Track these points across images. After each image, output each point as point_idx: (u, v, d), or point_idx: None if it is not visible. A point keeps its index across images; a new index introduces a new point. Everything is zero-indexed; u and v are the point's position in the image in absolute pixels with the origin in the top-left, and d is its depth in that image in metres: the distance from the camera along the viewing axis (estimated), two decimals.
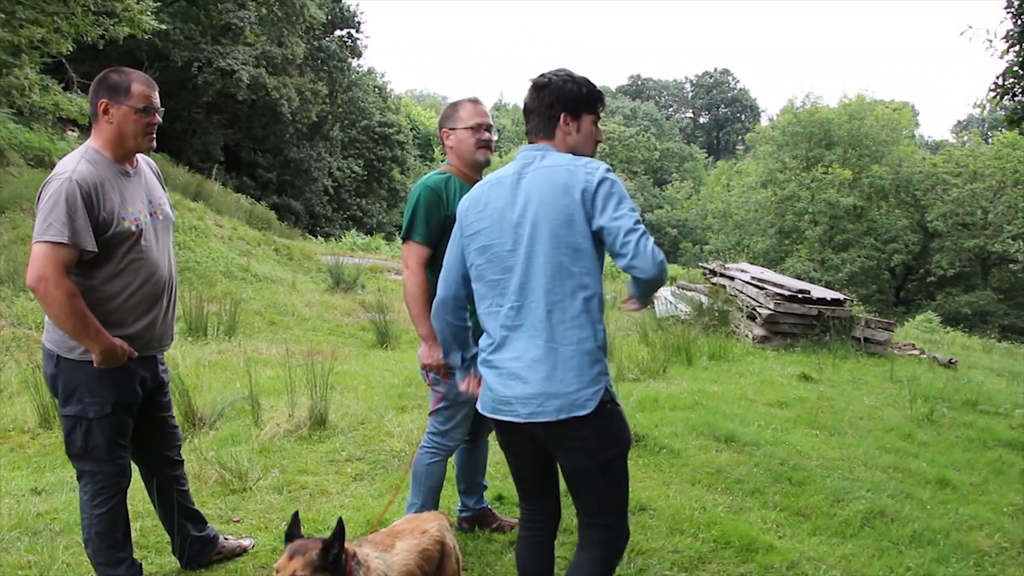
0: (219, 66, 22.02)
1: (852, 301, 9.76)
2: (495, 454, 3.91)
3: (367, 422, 4.99)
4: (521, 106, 2.47)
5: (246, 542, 3.27)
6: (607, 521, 2.34)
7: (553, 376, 2.20)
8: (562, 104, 2.33)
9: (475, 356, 2.47)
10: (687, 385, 6.47)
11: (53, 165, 2.59)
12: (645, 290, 2.30)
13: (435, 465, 3.09)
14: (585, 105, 2.37)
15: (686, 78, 79.48)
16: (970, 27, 8.59)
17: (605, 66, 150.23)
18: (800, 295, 8.96)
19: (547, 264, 2.22)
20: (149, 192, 2.81)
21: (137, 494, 3.18)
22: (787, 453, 4.74)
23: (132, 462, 2.87)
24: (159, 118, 2.72)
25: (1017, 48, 8.26)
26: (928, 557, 3.47)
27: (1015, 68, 8.34)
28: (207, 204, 16.06)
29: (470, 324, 2.52)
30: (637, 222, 2.16)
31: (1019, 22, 8.19)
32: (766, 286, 9.28)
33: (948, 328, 20.00)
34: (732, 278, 10.47)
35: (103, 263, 2.61)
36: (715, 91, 75.88)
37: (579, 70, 2.40)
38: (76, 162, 2.58)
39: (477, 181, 2.54)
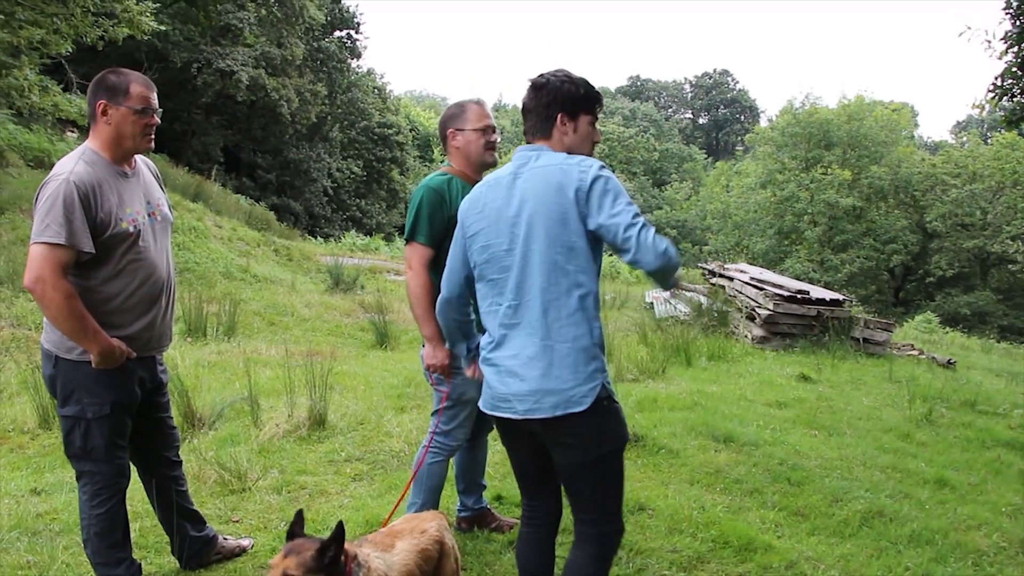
0: (218, 67, 22.01)
1: (851, 302, 9.76)
2: (495, 454, 3.92)
3: (366, 422, 5.00)
4: (520, 107, 2.47)
5: (245, 542, 3.28)
6: (602, 517, 2.35)
7: (549, 373, 2.22)
8: (559, 104, 2.34)
9: (479, 345, 2.50)
10: (686, 385, 6.47)
11: (52, 166, 2.58)
12: (658, 280, 2.28)
13: (437, 465, 3.10)
14: (582, 105, 2.37)
15: (685, 79, 79.48)
16: (969, 28, 8.62)
17: (604, 67, 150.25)
18: (799, 296, 8.97)
19: (542, 263, 2.23)
20: (147, 193, 2.81)
21: (136, 494, 3.18)
22: (786, 453, 4.74)
23: (131, 462, 2.87)
24: (157, 119, 2.72)
25: (1016, 49, 8.27)
26: (926, 557, 3.48)
27: (1014, 69, 8.35)
28: (206, 205, 16.04)
29: (474, 317, 2.55)
30: (636, 216, 2.16)
31: (1018, 23, 8.21)
32: (765, 287, 9.29)
33: (947, 328, 19.99)
34: (731, 279, 10.48)
35: (101, 264, 2.61)
36: (714, 92, 75.78)
37: (578, 70, 2.40)
38: (74, 163, 2.58)
39: (478, 182, 2.56)
